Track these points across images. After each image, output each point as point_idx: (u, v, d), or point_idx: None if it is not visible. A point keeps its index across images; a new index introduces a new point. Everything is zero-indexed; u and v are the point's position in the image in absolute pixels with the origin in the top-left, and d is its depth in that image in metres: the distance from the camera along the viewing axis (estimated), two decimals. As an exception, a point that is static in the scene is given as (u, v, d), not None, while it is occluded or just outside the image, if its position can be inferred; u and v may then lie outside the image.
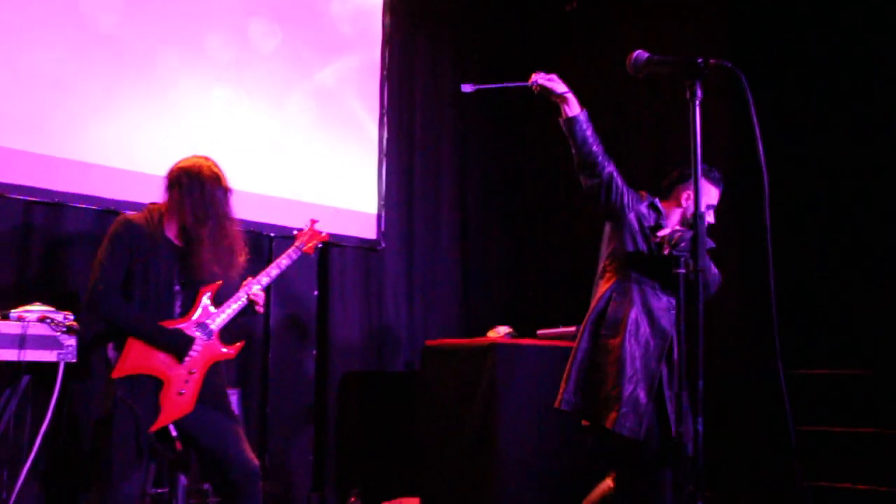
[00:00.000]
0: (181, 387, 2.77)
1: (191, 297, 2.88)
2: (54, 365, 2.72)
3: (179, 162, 2.90)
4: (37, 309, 2.70)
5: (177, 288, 2.87)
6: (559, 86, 2.78)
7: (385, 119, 4.87)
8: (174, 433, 2.78)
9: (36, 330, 2.64)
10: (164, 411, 2.72)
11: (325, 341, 4.51)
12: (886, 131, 3.96)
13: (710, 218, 2.91)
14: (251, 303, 3.00)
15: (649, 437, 2.75)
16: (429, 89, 5.25)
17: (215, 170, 2.89)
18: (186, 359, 2.78)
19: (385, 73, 4.91)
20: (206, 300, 2.91)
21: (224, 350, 2.93)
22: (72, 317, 2.73)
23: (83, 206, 3.63)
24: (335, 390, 4.48)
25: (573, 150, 2.83)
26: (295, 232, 3.40)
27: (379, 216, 4.77)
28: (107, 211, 3.65)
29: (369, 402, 4.60)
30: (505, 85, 2.86)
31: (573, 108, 2.79)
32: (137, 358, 2.72)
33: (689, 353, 2.23)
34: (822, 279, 3.94)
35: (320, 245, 3.47)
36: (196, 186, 2.82)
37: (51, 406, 2.72)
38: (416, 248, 5.04)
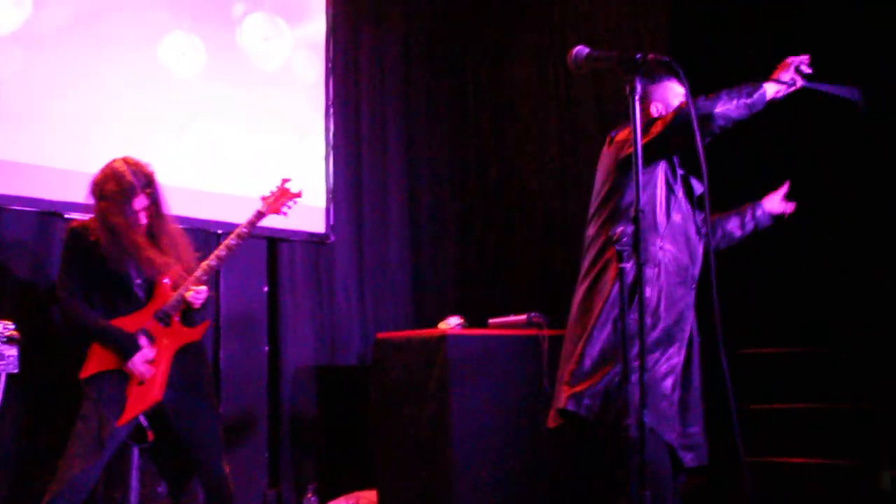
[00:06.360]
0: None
1: (152, 287, 3.00)
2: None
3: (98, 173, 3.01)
4: (-25, 321, 2.65)
5: (138, 281, 2.98)
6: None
7: (331, 111, 4.83)
8: (145, 423, 2.86)
9: (-25, 342, 2.60)
10: (129, 403, 2.81)
11: (276, 337, 4.47)
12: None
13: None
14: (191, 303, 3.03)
15: None
16: (375, 80, 5.19)
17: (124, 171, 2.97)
18: (129, 363, 2.84)
19: (330, 65, 4.86)
20: (165, 287, 3.00)
21: (188, 332, 3.01)
22: (12, 326, 2.71)
23: (21, 208, 3.55)
24: (288, 386, 4.46)
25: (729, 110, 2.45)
26: (261, 198, 3.33)
27: (328, 209, 4.73)
28: (48, 213, 3.58)
29: (323, 397, 4.58)
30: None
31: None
32: (100, 355, 2.86)
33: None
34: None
35: (294, 203, 3.38)
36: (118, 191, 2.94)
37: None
38: (365, 240, 5.00)
